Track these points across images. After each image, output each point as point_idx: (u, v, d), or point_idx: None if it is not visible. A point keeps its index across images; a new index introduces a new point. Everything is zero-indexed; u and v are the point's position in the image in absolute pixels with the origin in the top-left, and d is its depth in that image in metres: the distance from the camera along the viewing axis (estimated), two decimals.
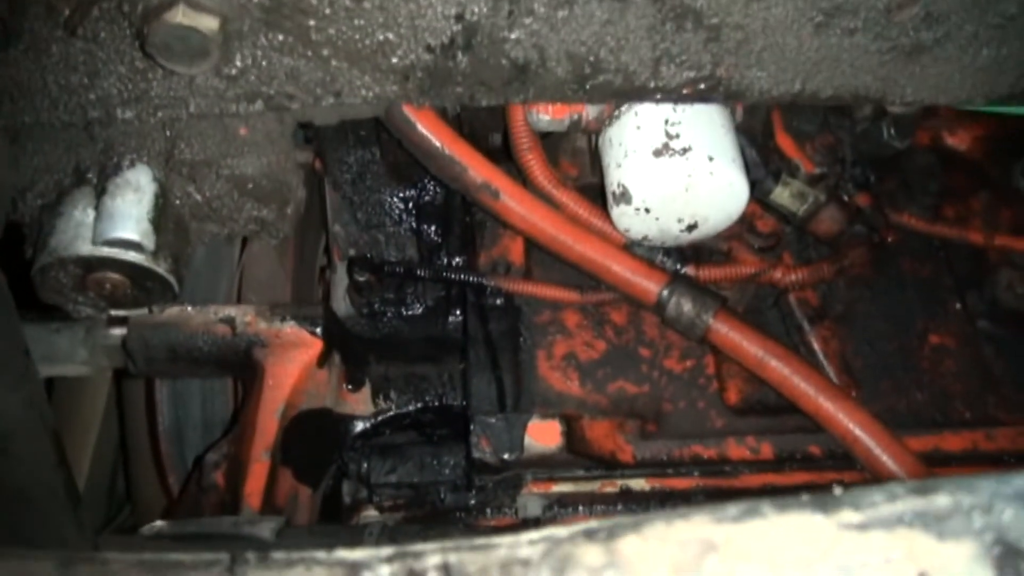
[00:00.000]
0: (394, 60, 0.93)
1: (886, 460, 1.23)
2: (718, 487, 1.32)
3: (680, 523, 0.41)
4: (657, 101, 1.07)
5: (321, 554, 0.48)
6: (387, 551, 0.47)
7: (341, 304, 1.56)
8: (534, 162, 1.31)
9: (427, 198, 1.59)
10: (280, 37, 0.89)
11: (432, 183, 1.58)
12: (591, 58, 0.95)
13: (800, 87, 1.00)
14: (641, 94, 1.01)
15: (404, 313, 1.57)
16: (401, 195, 1.58)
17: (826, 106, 1.26)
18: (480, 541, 0.47)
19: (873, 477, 1.27)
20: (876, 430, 1.25)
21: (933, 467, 1.26)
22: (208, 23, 0.81)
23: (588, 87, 0.99)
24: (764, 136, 1.37)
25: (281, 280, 1.61)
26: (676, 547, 0.39)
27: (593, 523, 0.46)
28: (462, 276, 1.45)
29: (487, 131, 1.44)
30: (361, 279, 1.52)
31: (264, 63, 0.91)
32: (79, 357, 1.32)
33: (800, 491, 1.34)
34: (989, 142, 1.57)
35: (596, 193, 1.36)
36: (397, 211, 1.59)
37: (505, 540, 0.46)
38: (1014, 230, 1.48)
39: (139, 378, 1.57)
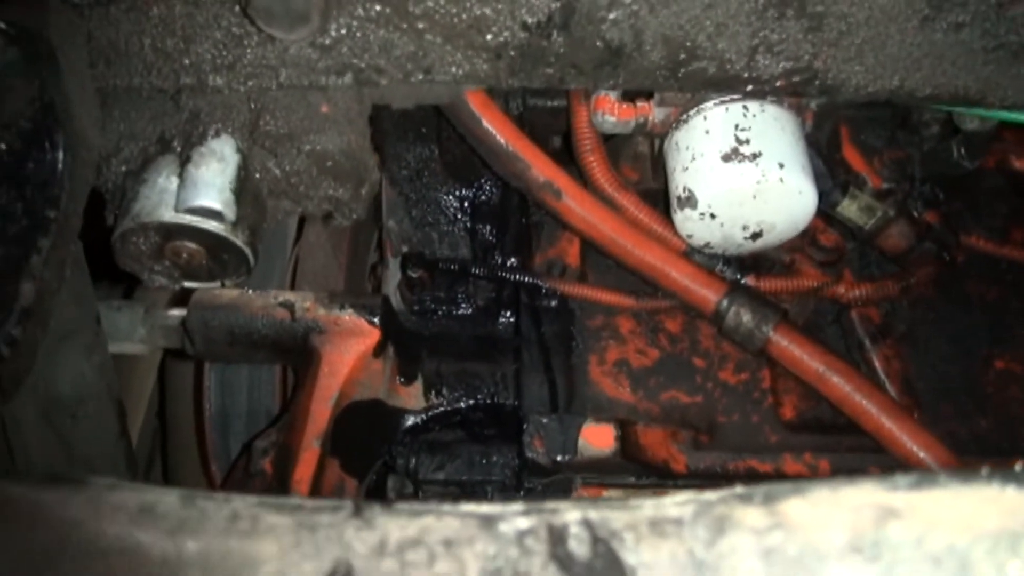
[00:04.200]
0: (488, 37, 0.92)
1: None
2: None
3: (848, 489, 0.38)
4: (748, 93, 1.05)
5: (447, 506, 0.46)
6: (519, 506, 0.45)
7: (391, 300, 1.55)
8: (596, 164, 1.29)
9: (483, 198, 1.58)
10: (377, 8, 0.88)
11: (489, 184, 1.57)
12: (687, 43, 0.93)
13: (898, 84, 0.97)
14: (734, 84, 0.99)
15: (454, 312, 1.55)
16: (457, 194, 1.57)
17: (920, 106, 1.22)
18: (617, 503, 0.45)
19: None
20: (941, 454, 1.21)
21: None
22: None
23: (681, 74, 0.97)
24: (830, 149, 1.35)
25: (335, 272, 1.60)
26: (850, 512, 0.36)
27: (739, 489, 0.43)
28: (517, 276, 1.43)
29: (549, 133, 1.43)
30: (414, 275, 1.50)
31: (359, 34, 0.90)
32: (137, 336, 1.32)
33: None
34: None
35: (656, 199, 1.34)
36: (452, 210, 1.58)
37: (647, 502, 0.44)
38: None
39: (185, 363, 1.56)
